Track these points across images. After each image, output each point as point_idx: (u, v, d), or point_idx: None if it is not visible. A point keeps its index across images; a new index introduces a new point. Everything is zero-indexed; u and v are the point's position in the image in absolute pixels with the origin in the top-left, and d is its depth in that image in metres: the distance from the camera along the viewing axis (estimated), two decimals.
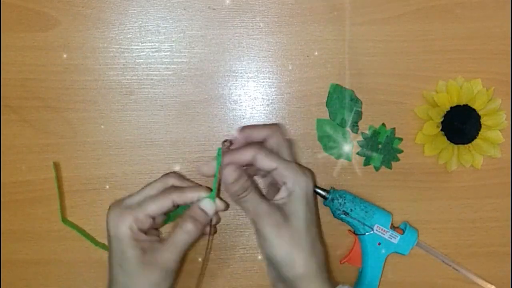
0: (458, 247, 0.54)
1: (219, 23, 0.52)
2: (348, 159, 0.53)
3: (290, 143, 0.49)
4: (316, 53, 0.53)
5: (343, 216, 0.50)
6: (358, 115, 0.53)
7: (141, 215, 0.44)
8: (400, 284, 0.54)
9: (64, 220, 0.51)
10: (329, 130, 0.53)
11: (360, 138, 0.53)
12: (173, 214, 0.49)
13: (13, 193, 0.53)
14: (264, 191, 0.52)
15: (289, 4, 0.52)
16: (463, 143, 0.52)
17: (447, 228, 0.54)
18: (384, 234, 0.50)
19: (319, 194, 0.51)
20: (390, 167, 0.53)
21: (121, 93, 0.52)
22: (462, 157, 0.53)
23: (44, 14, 0.52)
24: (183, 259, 0.47)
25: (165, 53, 0.52)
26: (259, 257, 0.54)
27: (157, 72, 0.52)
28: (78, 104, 0.52)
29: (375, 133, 0.53)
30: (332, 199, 0.50)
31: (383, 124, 0.53)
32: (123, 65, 0.52)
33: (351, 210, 0.50)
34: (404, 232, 0.51)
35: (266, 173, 0.48)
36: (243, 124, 0.52)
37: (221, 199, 0.47)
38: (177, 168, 0.52)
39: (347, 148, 0.53)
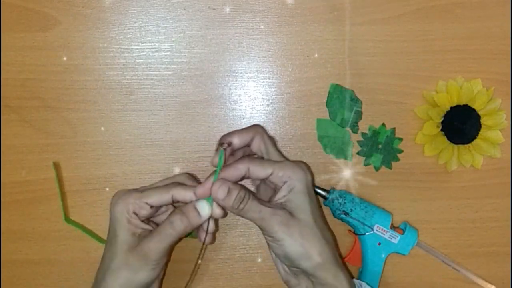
0: (458, 247, 0.54)
1: (219, 23, 0.52)
2: (348, 159, 0.53)
3: (273, 140, 0.49)
4: (316, 55, 0.52)
5: (343, 216, 0.50)
6: (358, 115, 0.53)
7: (139, 201, 0.45)
8: (400, 284, 0.54)
9: (67, 219, 0.51)
10: (329, 130, 0.53)
11: (360, 138, 0.53)
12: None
13: (13, 193, 0.53)
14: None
15: (289, 4, 0.52)
16: (463, 143, 0.52)
17: (447, 228, 0.54)
18: (384, 234, 0.50)
19: (319, 194, 0.51)
20: (390, 167, 0.53)
21: (121, 93, 0.52)
22: (462, 157, 0.53)
23: (44, 14, 0.52)
24: (169, 254, 0.47)
25: (165, 53, 0.52)
26: (259, 259, 0.54)
27: (157, 72, 0.52)
28: (78, 104, 0.52)
29: (375, 133, 0.53)
30: (332, 199, 0.50)
31: (383, 124, 0.53)
32: (123, 65, 0.52)
33: (351, 210, 0.50)
34: (404, 232, 0.51)
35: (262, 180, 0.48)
36: (242, 125, 0.53)
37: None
38: (177, 169, 0.52)
39: (347, 148, 0.53)
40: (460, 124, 0.51)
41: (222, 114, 0.53)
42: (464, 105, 0.52)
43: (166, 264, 0.48)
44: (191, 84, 0.53)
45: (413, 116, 0.53)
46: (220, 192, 0.43)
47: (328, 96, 0.53)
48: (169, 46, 0.52)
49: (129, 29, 0.52)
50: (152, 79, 0.52)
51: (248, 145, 0.47)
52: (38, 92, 0.52)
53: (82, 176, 0.53)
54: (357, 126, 0.53)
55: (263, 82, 0.53)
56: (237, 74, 0.53)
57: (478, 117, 0.52)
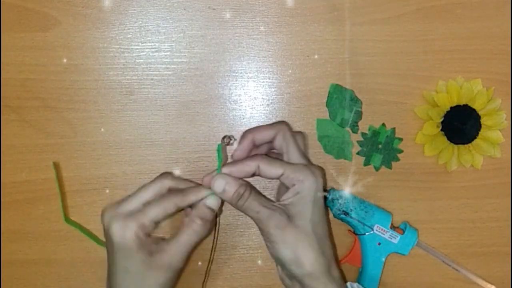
0: (458, 247, 0.54)
1: (219, 23, 0.52)
2: (348, 159, 0.53)
3: (301, 138, 0.48)
4: (316, 55, 0.52)
5: (343, 216, 0.50)
6: (358, 115, 0.53)
7: (146, 222, 0.43)
8: (400, 284, 0.54)
9: (67, 219, 0.51)
10: (329, 130, 0.53)
11: (360, 138, 0.53)
12: None
13: (13, 193, 0.53)
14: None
15: (289, 4, 0.52)
16: (463, 143, 0.52)
17: (447, 228, 0.54)
18: (384, 234, 0.50)
19: None
20: (390, 167, 0.53)
21: (121, 93, 0.52)
22: (462, 157, 0.53)
23: (44, 14, 0.52)
24: (188, 258, 0.47)
25: (165, 53, 0.52)
26: (259, 261, 0.54)
27: (157, 72, 0.52)
28: (78, 104, 0.52)
29: (375, 133, 0.53)
30: (332, 199, 0.50)
31: (383, 124, 0.53)
32: (123, 65, 0.52)
33: (351, 210, 0.50)
34: (404, 232, 0.51)
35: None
36: (243, 125, 0.53)
37: None
38: (177, 170, 0.52)
39: (347, 148, 0.53)
40: (460, 124, 0.51)
41: (222, 114, 0.53)
42: (464, 105, 0.52)
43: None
44: (191, 84, 0.53)
45: (413, 116, 0.53)
46: (217, 185, 0.44)
47: (328, 96, 0.53)
48: (169, 46, 0.52)
49: (129, 29, 0.52)
50: (152, 79, 0.52)
51: (271, 141, 0.47)
52: (38, 92, 0.52)
53: (82, 176, 0.53)
54: (357, 126, 0.53)
55: (263, 82, 0.53)
56: (237, 74, 0.53)
57: (478, 117, 0.52)
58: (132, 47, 0.52)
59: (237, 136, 0.51)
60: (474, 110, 0.52)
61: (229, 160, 0.50)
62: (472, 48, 0.53)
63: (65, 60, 0.52)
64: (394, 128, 0.53)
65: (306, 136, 0.51)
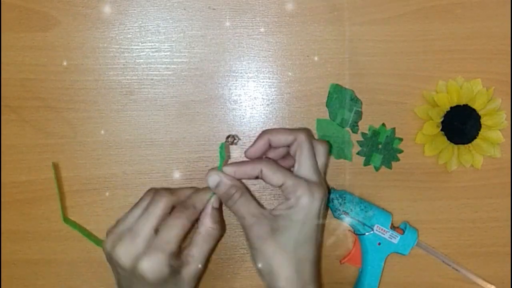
0: (458, 247, 0.54)
1: (219, 23, 0.52)
2: (348, 159, 0.53)
3: (322, 148, 0.47)
4: (316, 55, 0.53)
5: (343, 216, 0.50)
6: (358, 115, 0.53)
7: (174, 248, 0.43)
8: (400, 284, 0.54)
9: (66, 219, 0.51)
10: (329, 130, 0.53)
11: (360, 138, 0.53)
12: None
13: (13, 193, 0.53)
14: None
15: (289, 4, 0.52)
16: (463, 143, 0.52)
17: (447, 228, 0.54)
18: (384, 234, 0.50)
19: None
20: (390, 167, 0.53)
21: (121, 93, 0.52)
22: (462, 157, 0.53)
23: (44, 14, 0.52)
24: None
25: (165, 53, 0.52)
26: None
27: (157, 72, 0.52)
28: (78, 104, 0.52)
29: (375, 133, 0.53)
30: (332, 199, 0.50)
31: (383, 124, 0.53)
32: (123, 65, 0.52)
33: (351, 210, 0.50)
34: (404, 232, 0.51)
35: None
36: (242, 125, 0.53)
37: None
38: (176, 171, 0.52)
39: (347, 148, 0.53)
40: (460, 124, 0.51)
41: (222, 114, 0.53)
42: (464, 105, 0.52)
43: None
44: (191, 84, 0.53)
45: (413, 116, 0.53)
46: (211, 180, 0.45)
47: (328, 96, 0.53)
48: (169, 46, 0.52)
49: (129, 29, 0.52)
50: (152, 79, 0.52)
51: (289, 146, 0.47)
52: (38, 92, 0.52)
53: (82, 176, 0.53)
54: (357, 126, 0.53)
55: (263, 82, 0.53)
56: (237, 74, 0.53)
57: (478, 117, 0.52)
58: (132, 47, 0.52)
59: (241, 136, 0.52)
60: (474, 110, 0.52)
61: (229, 160, 0.50)
62: (472, 48, 0.53)
63: (65, 61, 0.52)
64: (394, 128, 0.53)
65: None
